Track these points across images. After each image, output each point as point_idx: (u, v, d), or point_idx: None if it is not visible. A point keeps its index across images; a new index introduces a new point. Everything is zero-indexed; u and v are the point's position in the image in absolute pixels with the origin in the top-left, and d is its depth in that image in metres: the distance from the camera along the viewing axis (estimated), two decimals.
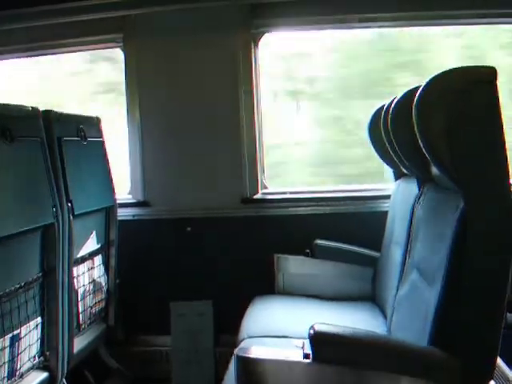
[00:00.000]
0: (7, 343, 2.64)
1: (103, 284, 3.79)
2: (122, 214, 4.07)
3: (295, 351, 2.23)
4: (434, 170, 2.51)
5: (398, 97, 2.75)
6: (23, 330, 2.77)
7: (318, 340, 2.19)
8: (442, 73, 2.19)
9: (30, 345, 2.84)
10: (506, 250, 2.16)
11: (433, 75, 2.20)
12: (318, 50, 4.58)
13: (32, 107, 2.95)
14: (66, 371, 3.13)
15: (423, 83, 2.22)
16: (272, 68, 4.50)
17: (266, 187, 4.32)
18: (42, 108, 3.07)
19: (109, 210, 3.87)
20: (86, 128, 3.57)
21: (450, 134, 2.14)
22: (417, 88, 2.28)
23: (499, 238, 2.16)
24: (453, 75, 2.19)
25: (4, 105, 2.82)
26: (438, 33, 4.42)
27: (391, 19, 4.16)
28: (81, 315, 3.48)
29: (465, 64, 2.23)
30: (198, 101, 4.22)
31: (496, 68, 2.16)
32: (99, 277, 3.73)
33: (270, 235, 4.12)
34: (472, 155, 2.17)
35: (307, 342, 2.22)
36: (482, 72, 2.19)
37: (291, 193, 4.34)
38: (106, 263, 3.84)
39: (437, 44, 4.45)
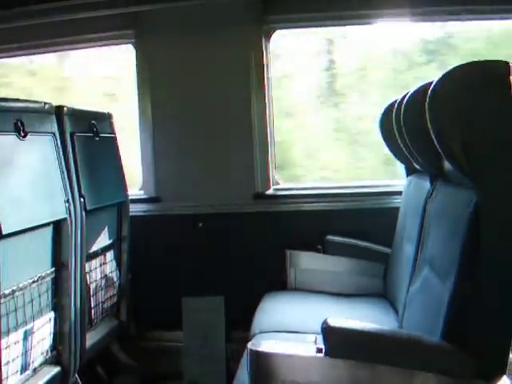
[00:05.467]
0: (20, 337, 2.66)
1: (115, 279, 3.80)
2: (134, 209, 4.07)
3: (308, 346, 2.24)
4: (447, 165, 2.50)
5: (411, 91, 2.75)
6: (36, 325, 2.79)
7: (331, 334, 2.19)
8: (457, 66, 2.19)
9: (42, 339, 2.86)
10: None
11: (447, 69, 2.19)
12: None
13: (45, 102, 2.96)
14: (78, 366, 3.15)
15: (437, 77, 2.22)
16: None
17: (277, 183, 4.31)
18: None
19: (121, 206, 3.88)
20: (98, 124, 3.58)
21: (463, 128, 2.14)
22: (430, 83, 2.28)
23: None
24: (467, 69, 2.18)
25: (17, 100, 2.84)
26: None
27: (405, 15, 4.14)
28: (93, 310, 3.49)
29: None
30: (209, 97, 4.22)
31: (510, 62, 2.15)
32: (111, 272, 3.74)
33: (282, 231, 4.12)
34: (485, 149, 2.16)
35: (320, 337, 2.23)
36: (496, 66, 2.18)
37: (302, 189, 4.34)
38: (117, 259, 3.85)
39: None
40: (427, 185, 3.06)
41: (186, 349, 4.22)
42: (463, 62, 2.21)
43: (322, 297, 3.74)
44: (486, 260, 2.15)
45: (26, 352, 2.72)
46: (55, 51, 4.67)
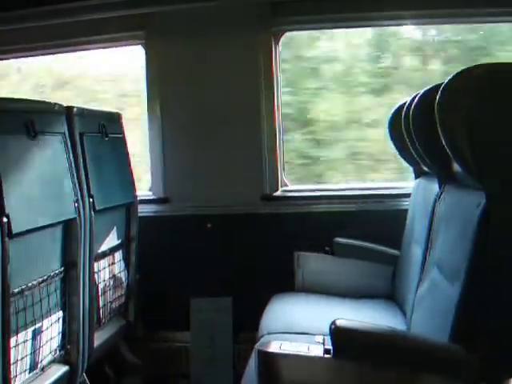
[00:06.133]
0: (29, 336, 2.67)
1: (123, 279, 3.81)
2: (143, 210, 4.08)
3: (316, 346, 2.23)
4: (456, 168, 2.50)
5: (420, 94, 2.75)
6: (45, 324, 2.80)
7: (340, 335, 2.19)
8: (465, 69, 2.19)
9: (51, 338, 2.87)
10: None
11: (456, 72, 2.19)
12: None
13: (55, 103, 2.98)
14: (86, 365, 3.16)
15: (446, 80, 2.22)
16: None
17: (286, 184, 4.31)
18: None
19: (129, 206, 3.89)
20: (107, 124, 3.59)
21: (472, 130, 2.13)
22: (439, 85, 2.28)
23: None
24: (476, 71, 2.18)
25: (27, 100, 2.86)
26: None
27: (415, 17, 4.15)
28: (101, 310, 3.50)
29: None
30: (218, 98, 4.22)
31: None
32: (119, 272, 3.75)
33: (290, 232, 4.11)
34: (494, 151, 2.16)
35: (328, 338, 2.22)
36: (504, 68, 2.18)
37: (311, 190, 4.34)
38: (126, 259, 3.86)
39: None
40: (436, 187, 3.06)
41: (194, 349, 4.22)
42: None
43: (330, 298, 3.73)
44: (494, 262, 2.15)
45: (34, 351, 2.73)
46: (66, 52, 4.69)
